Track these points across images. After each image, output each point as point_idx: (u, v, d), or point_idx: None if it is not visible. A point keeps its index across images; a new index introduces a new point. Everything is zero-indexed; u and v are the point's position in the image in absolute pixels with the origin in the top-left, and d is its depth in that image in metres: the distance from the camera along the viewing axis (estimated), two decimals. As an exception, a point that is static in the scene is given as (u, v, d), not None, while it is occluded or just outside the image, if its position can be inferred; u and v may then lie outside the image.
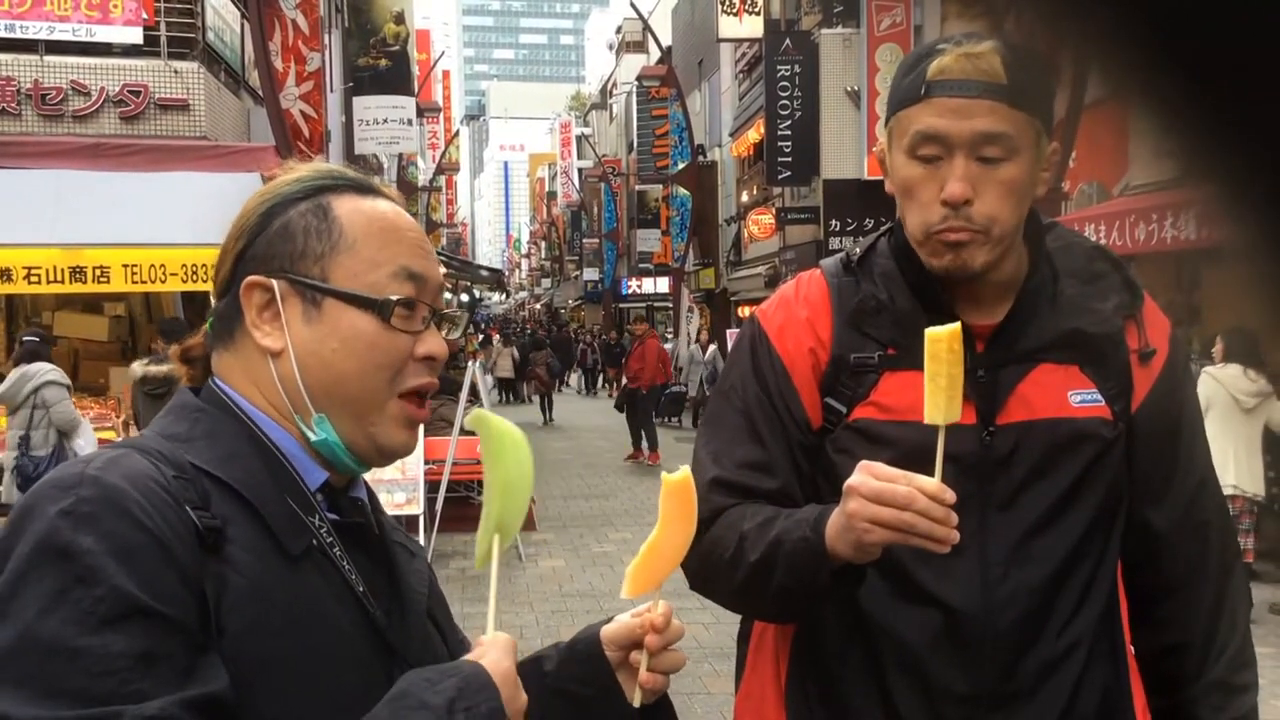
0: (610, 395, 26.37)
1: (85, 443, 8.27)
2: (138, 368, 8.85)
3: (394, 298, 1.21)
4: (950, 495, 1.43)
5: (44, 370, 8.26)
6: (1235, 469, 7.60)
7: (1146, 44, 0.42)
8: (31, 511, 1.03)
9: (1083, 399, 1.70)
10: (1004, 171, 1.60)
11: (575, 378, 33.89)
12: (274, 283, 1.20)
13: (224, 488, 1.13)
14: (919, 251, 1.68)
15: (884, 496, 1.44)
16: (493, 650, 1.14)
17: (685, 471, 1.28)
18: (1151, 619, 1.78)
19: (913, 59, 1.68)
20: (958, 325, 1.47)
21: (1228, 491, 7.74)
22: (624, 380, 17.97)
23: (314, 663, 1.12)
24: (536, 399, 25.61)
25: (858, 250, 1.81)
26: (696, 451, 1.80)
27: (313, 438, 1.20)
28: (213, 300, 1.28)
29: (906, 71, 1.67)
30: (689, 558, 1.72)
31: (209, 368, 1.26)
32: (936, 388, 1.46)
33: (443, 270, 1.34)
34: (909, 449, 1.63)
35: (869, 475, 1.47)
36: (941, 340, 1.45)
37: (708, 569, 1.72)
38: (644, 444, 16.63)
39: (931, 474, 1.46)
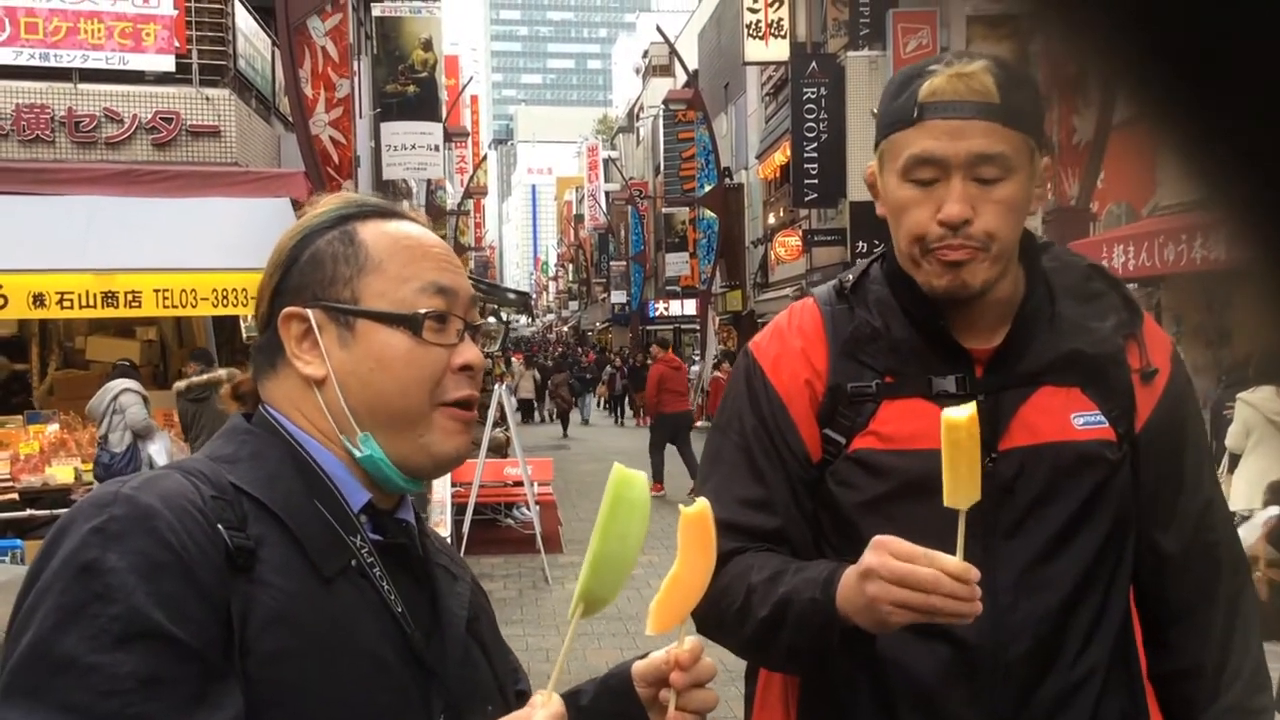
0: (639, 423, 26.44)
1: (159, 449, 9.03)
2: (180, 384, 9.56)
3: (424, 311, 1.23)
4: (975, 574, 1.40)
5: (122, 382, 9.19)
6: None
7: (1168, 73, 0.42)
8: (67, 528, 1.06)
9: (1086, 421, 1.66)
10: (1001, 191, 1.58)
11: (593, 402, 32.59)
12: (309, 312, 1.23)
13: (262, 508, 1.15)
14: (916, 273, 1.65)
15: (907, 580, 1.41)
16: (539, 713, 1.13)
17: (703, 504, 1.26)
18: (1163, 644, 1.74)
19: (901, 80, 1.65)
20: (974, 408, 1.42)
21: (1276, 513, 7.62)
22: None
23: (344, 686, 1.12)
24: (558, 418, 28.01)
25: (850, 277, 1.77)
26: (697, 488, 1.76)
27: (358, 455, 1.22)
28: (245, 331, 1.31)
29: (896, 94, 1.65)
30: (698, 604, 1.72)
31: (258, 401, 1.28)
32: (956, 474, 1.40)
33: (471, 293, 1.35)
34: (910, 478, 1.61)
35: (889, 555, 1.43)
36: (961, 427, 1.39)
37: (715, 618, 1.68)
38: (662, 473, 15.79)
39: (938, 510, 1.42)
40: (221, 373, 9.07)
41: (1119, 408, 1.68)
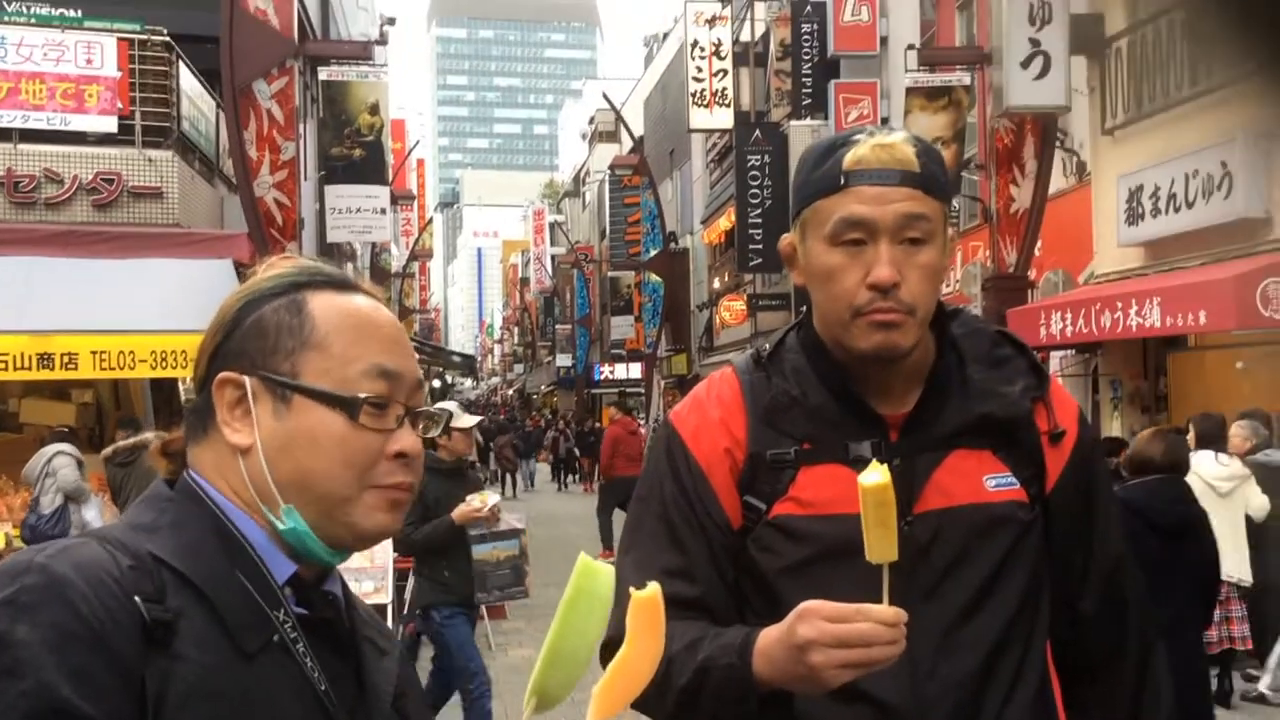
0: (585, 489, 26.28)
1: (94, 515, 8.97)
2: (106, 450, 9.26)
3: (363, 396, 1.20)
4: (904, 616, 1.45)
5: (57, 445, 9.15)
6: (1222, 558, 7.57)
7: None
8: None
9: (998, 483, 1.69)
10: (924, 255, 1.63)
11: (532, 467, 31.57)
12: (245, 379, 1.20)
13: (181, 579, 1.10)
14: (842, 337, 1.67)
15: (847, 639, 1.44)
16: None
17: (654, 588, 1.23)
18: (1078, 701, 1.78)
19: (821, 151, 1.70)
20: (884, 474, 1.45)
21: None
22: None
23: None
24: (504, 476, 28.50)
25: (768, 346, 1.80)
26: (619, 559, 1.76)
27: (281, 527, 1.18)
28: (183, 394, 1.28)
29: (818, 163, 1.68)
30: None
31: (185, 463, 1.24)
32: (876, 533, 1.46)
33: (415, 356, 1.32)
34: (830, 543, 1.63)
35: (819, 620, 1.46)
36: (875, 490, 1.44)
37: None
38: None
39: (858, 572, 1.47)
40: (149, 435, 8.89)
41: (1029, 469, 1.72)
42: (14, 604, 1.00)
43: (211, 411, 1.21)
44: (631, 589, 1.22)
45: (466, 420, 6.91)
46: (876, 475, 1.45)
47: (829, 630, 1.45)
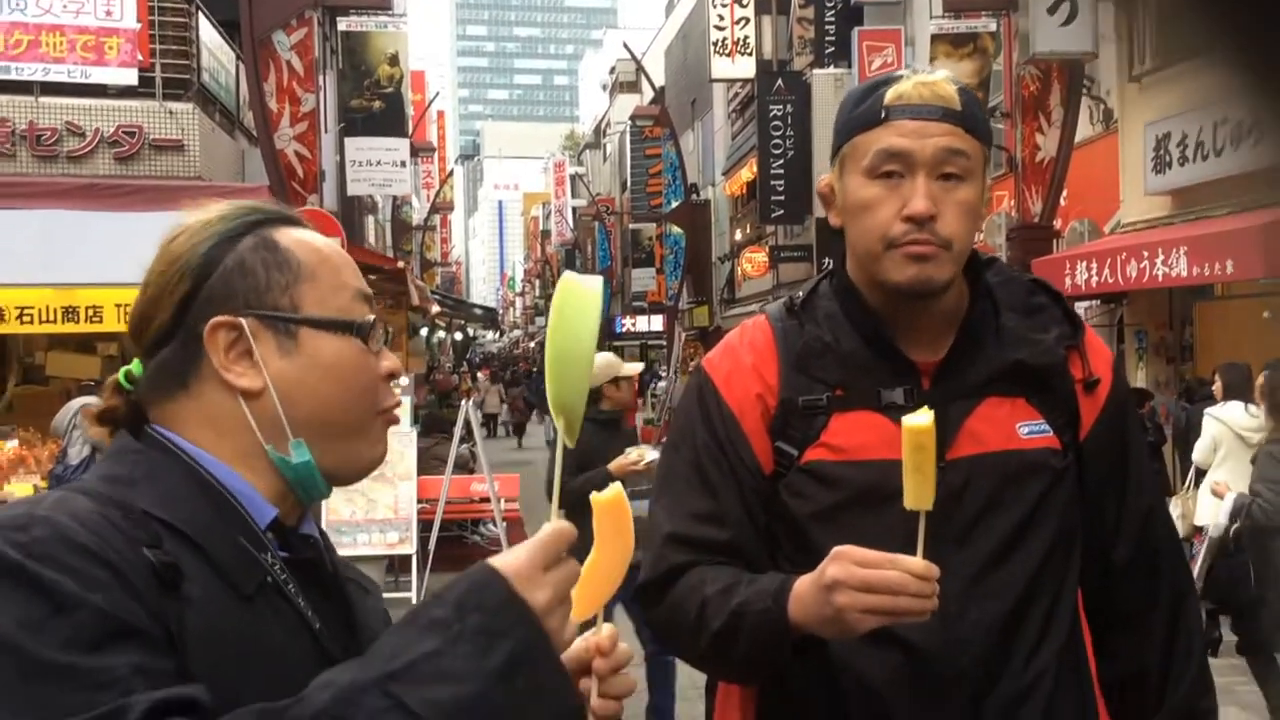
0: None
1: None
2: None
3: (370, 318, 1.22)
4: (936, 572, 1.45)
5: (85, 399, 9.00)
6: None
7: None
8: None
9: (1031, 430, 1.70)
10: (961, 192, 1.64)
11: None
12: (242, 321, 1.17)
13: (168, 528, 1.09)
14: (876, 271, 1.68)
15: (874, 584, 1.45)
16: (517, 548, 1.08)
17: (616, 488, 1.26)
18: (1109, 650, 1.79)
19: (863, 90, 1.72)
20: (929, 418, 1.47)
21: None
22: None
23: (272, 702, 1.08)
24: (514, 430, 29.61)
25: (800, 294, 1.82)
26: (651, 506, 1.78)
27: (293, 461, 1.18)
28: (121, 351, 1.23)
29: (859, 101, 1.70)
30: (655, 617, 1.72)
31: (134, 423, 1.20)
32: (917, 478, 1.48)
33: (437, 309, 1.33)
34: (861, 488, 1.64)
35: (849, 563, 1.47)
36: (922, 432, 1.46)
37: (671, 631, 1.73)
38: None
39: (889, 518, 1.48)
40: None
41: (1063, 417, 1.73)
42: (32, 553, 0.98)
43: (192, 362, 1.17)
44: (593, 495, 1.24)
45: (632, 368, 6.72)
46: (922, 418, 1.47)
47: (857, 574, 1.46)
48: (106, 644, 0.96)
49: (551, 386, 1.22)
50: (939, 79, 1.67)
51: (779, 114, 22.05)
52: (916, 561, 1.45)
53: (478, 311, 41.46)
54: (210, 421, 1.18)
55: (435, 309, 20.70)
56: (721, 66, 25.22)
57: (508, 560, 1.06)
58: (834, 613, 1.49)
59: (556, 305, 1.23)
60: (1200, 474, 7.79)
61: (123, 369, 1.24)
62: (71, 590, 0.97)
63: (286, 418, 1.17)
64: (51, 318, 8.84)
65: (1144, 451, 1.87)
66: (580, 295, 1.23)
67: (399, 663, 0.97)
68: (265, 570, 1.14)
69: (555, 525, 1.11)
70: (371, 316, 1.24)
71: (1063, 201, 13.03)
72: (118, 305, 8.86)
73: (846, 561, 1.47)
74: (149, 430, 1.18)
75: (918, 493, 1.48)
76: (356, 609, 1.26)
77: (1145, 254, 10.26)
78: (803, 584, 1.56)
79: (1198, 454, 7.76)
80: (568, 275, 1.26)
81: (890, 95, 1.65)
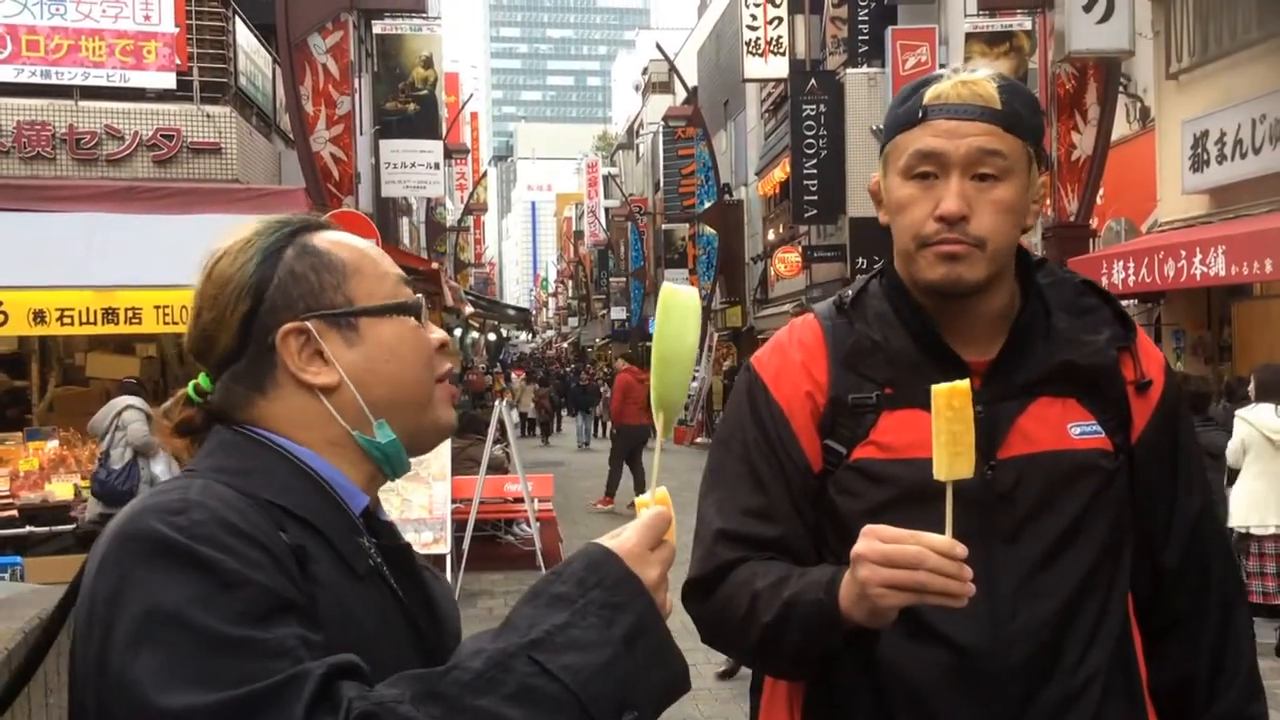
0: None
1: (162, 469, 8.98)
2: (168, 404, 9.31)
3: (418, 297, 1.32)
4: (961, 550, 1.42)
5: (126, 399, 9.16)
6: (1278, 509, 7.45)
7: None
8: (139, 533, 1.07)
9: (1083, 431, 1.69)
10: (998, 191, 1.63)
11: (590, 426, 30.37)
12: (308, 325, 1.25)
13: (288, 514, 1.17)
14: (911, 270, 1.69)
15: (893, 558, 1.44)
16: (625, 531, 1.18)
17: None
18: (1159, 654, 1.77)
19: (908, 90, 1.72)
20: (962, 382, 1.47)
21: (1270, 532, 7.60)
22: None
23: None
24: (539, 428, 29.89)
25: (850, 293, 1.82)
26: (700, 503, 1.79)
27: (381, 441, 1.27)
28: (188, 368, 1.29)
29: (902, 101, 1.71)
30: (702, 613, 1.73)
31: (209, 429, 1.28)
32: (940, 443, 1.47)
33: (470, 309, 1.38)
34: (910, 486, 1.63)
35: (875, 539, 1.47)
36: (942, 395, 1.46)
37: (720, 627, 1.72)
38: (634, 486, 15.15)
39: (938, 516, 1.45)
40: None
41: (1115, 418, 1.72)
42: (195, 536, 1.06)
43: (267, 371, 1.25)
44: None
45: None
46: (949, 384, 1.47)
47: (878, 548, 1.45)
48: (273, 617, 1.04)
49: (656, 386, 1.35)
50: (980, 78, 1.66)
51: (812, 114, 21.98)
52: (938, 538, 1.43)
53: (511, 312, 41.62)
54: (295, 420, 1.26)
55: (469, 310, 20.78)
56: (754, 66, 25.17)
57: (619, 541, 1.17)
58: (859, 589, 1.49)
59: (662, 312, 1.36)
60: (1232, 475, 7.73)
61: (190, 383, 1.32)
62: (234, 568, 1.05)
63: (365, 402, 1.26)
64: (92, 319, 8.93)
65: (1196, 455, 1.85)
66: (682, 304, 1.36)
67: (537, 632, 1.08)
68: (369, 555, 1.23)
69: (656, 510, 1.21)
70: (419, 295, 1.33)
71: (1099, 200, 12.93)
72: (156, 307, 8.95)
73: (872, 538, 1.48)
74: (240, 431, 1.26)
75: (940, 462, 1.47)
76: (432, 591, 1.35)
77: (1183, 253, 10.16)
78: (848, 571, 1.56)
79: (1228, 455, 7.70)
80: (668, 285, 1.38)
81: (929, 95, 1.66)
